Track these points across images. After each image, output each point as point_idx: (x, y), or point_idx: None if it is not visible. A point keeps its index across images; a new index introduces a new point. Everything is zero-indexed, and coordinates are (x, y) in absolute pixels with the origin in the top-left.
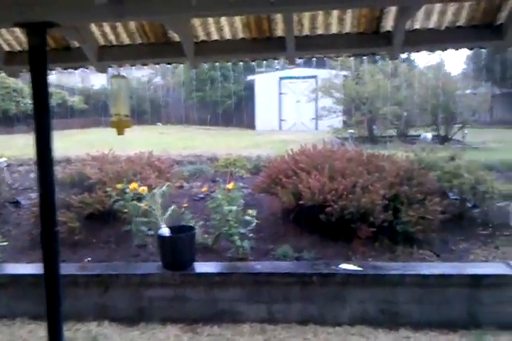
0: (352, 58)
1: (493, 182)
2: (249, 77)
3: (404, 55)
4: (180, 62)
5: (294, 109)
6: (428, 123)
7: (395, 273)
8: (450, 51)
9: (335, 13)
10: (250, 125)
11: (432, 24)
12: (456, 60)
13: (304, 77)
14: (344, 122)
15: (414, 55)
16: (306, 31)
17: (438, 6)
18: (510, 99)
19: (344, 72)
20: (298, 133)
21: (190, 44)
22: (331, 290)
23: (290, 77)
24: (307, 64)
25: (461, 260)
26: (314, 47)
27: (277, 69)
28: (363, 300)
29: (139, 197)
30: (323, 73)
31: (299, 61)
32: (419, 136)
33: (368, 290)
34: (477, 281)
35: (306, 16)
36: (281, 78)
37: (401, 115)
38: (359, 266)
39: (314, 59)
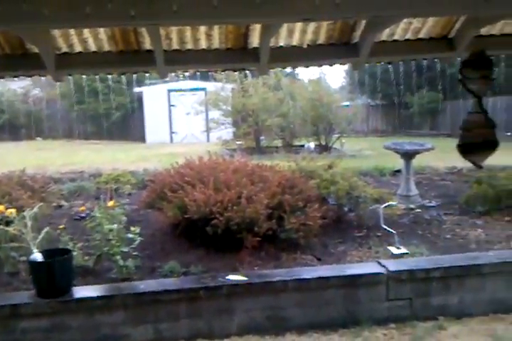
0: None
1: (366, 187)
2: (137, 89)
3: (288, 69)
4: (41, 74)
5: (185, 121)
6: (310, 133)
7: (279, 279)
8: (316, 67)
9: (202, 28)
10: (140, 138)
11: (294, 42)
12: (336, 74)
13: (193, 90)
14: (234, 134)
15: (298, 70)
16: (175, 45)
17: (299, 25)
18: (384, 110)
19: (231, 85)
20: (189, 145)
21: (51, 56)
22: (218, 303)
23: (179, 90)
24: (196, 76)
25: (339, 262)
26: (184, 62)
27: (166, 81)
28: (250, 309)
29: (8, 221)
30: (212, 86)
31: (187, 73)
32: (303, 145)
33: (254, 299)
34: (353, 281)
35: (174, 30)
36: (170, 90)
37: (286, 126)
38: (245, 276)
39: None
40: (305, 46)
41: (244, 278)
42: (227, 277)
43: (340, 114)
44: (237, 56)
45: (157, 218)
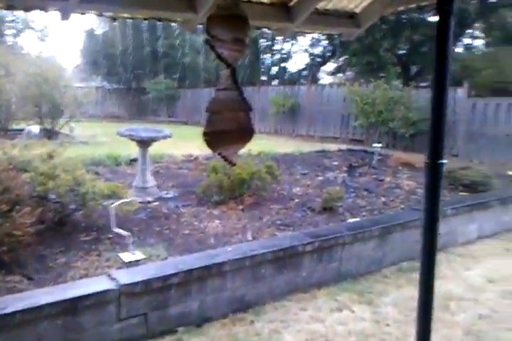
0: None
1: (95, 181)
2: None
3: (10, 41)
4: None
5: None
6: (32, 115)
7: None
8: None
9: None
10: None
11: None
12: (70, 53)
13: None
14: None
15: (22, 41)
16: None
17: None
18: (120, 94)
19: None
20: None
21: None
22: None
23: None
24: None
25: (58, 279)
26: None
27: None
28: None
29: None
30: None
31: None
32: (23, 129)
33: None
34: (75, 305)
35: None
36: None
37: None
38: None
39: None
40: None
41: None
42: None
43: (70, 95)
44: None
45: None
